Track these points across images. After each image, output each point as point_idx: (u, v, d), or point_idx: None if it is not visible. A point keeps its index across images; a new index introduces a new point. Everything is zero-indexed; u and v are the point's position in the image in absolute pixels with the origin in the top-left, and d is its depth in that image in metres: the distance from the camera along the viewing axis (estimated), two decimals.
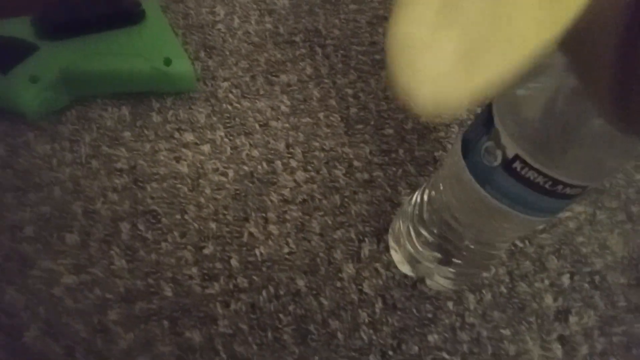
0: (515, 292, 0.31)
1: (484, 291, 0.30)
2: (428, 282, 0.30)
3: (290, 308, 0.28)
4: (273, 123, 0.37)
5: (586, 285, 0.31)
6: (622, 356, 0.28)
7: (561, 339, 0.29)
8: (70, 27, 0.34)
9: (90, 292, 0.27)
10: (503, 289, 0.31)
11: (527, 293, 0.31)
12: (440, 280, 0.29)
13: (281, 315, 0.28)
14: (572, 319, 0.29)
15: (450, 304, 0.30)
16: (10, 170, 0.31)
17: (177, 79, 0.36)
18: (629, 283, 0.31)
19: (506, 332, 0.29)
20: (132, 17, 0.36)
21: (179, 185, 0.32)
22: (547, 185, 0.19)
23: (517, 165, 0.19)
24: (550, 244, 0.33)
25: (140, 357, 0.25)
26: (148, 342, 0.26)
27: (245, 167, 0.34)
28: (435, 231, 0.27)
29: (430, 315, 0.29)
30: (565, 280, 0.31)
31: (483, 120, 0.21)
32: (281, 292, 0.29)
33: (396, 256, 0.31)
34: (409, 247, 0.29)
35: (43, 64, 0.33)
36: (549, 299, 0.30)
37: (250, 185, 0.33)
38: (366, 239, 0.32)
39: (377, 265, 0.31)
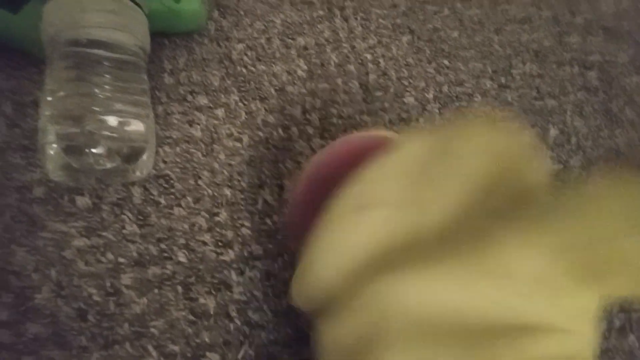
0: None
1: None
2: None
3: None
4: (289, 88, 0.36)
5: None
6: None
7: None
8: None
9: (102, 255, 0.26)
10: None
11: None
12: None
13: None
14: None
15: None
16: (18, 130, 0.30)
17: (187, 17, 0.35)
18: None
19: None
20: None
21: (193, 150, 0.31)
22: None
23: None
24: None
25: (154, 321, 0.25)
26: (162, 306, 0.25)
27: (260, 133, 0.33)
28: None
29: None
30: None
31: None
32: (297, 261, 0.28)
33: None
34: None
35: None
36: None
37: (265, 151, 0.32)
38: None
39: None
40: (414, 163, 0.20)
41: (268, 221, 0.29)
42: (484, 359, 0.15)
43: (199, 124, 0.33)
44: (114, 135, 0.26)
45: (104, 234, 0.27)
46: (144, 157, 0.27)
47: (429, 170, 0.20)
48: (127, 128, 0.26)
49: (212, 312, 0.25)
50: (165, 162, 0.30)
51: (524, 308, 0.16)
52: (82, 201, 0.28)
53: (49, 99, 0.26)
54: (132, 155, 0.27)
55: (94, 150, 0.25)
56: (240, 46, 0.38)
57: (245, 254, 0.28)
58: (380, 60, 0.39)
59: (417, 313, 0.16)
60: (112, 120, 0.26)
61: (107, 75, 0.27)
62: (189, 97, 0.34)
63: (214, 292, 0.26)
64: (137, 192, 0.29)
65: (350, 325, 0.18)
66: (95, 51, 0.27)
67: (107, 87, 0.26)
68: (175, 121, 0.32)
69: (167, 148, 0.31)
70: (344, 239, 0.19)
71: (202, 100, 0.34)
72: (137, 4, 0.29)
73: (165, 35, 0.37)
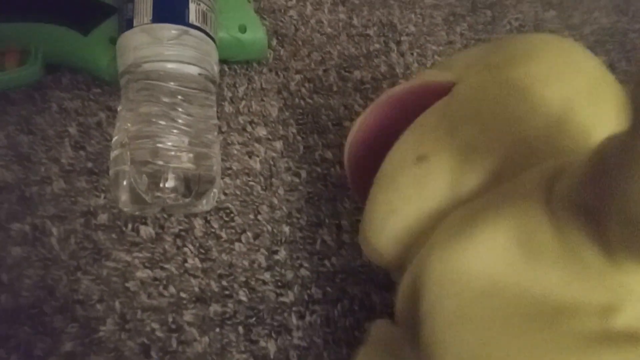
0: None
1: None
2: None
3: (366, 325, 0.27)
4: (346, 123, 0.36)
5: None
6: None
7: None
8: None
9: (164, 289, 0.26)
10: None
11: None
12: None
13: (356, 333, 0.27)
14: None
15: None
16: (83, 152, 0.31)
17: (251, 46, 0.35)
18: None
19: None
20: None
21: (252, 183, 0.31)
22: None
23: None
24: None
25: None
26: (223, 347, 0.25)
27: (319, 169, 0.33)
28: None
29: None
30: None
31: None
32: (356, 307, 0.28)
33: None
34: None
35: None
36: None
37: (323, 188, 0.32)
38: None
39: None
40: (473, 102, 0.18)
41: (327, 263, 0.29)
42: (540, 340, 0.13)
43: (258, 156, 0.33)
44: (187, 170, 0.26)
45: (166, 266, 0.27)
46: (212, 191, 0.28)
47: (491, 107, 0.17)
48: (199, 163, 0.26)
49: (272, 357, 0.25)
50: (226, 194, 0.30)
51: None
52: (146, 231, 0.28)
53: (124, 128, 0.26)
54: (202, 190, 0.27)
55: (167, 185, 0.25)
56: (298, 77, 0.38)
57: (305, 296, 0.28)
58: None
59: (470, 287, 0.14)
60: (186, 155, 0.26)
61: (181, 109, 0.27)
62: (249, 128, 0.34)
63: (274, 336, 0.26)
64: (198, 223, 0.29)
65: (405, 295, 0.16)
66: (171, 85, 0.27)
67: (180, 121, 0.27)
68: (235, 152, 0.33)
69: (227, 179, 0.31)
70: (403, 195, 0.18)
71: (261, 132, 0.34)
72: (211, 37, 0.29)
73: (226, 62, 0.37)
